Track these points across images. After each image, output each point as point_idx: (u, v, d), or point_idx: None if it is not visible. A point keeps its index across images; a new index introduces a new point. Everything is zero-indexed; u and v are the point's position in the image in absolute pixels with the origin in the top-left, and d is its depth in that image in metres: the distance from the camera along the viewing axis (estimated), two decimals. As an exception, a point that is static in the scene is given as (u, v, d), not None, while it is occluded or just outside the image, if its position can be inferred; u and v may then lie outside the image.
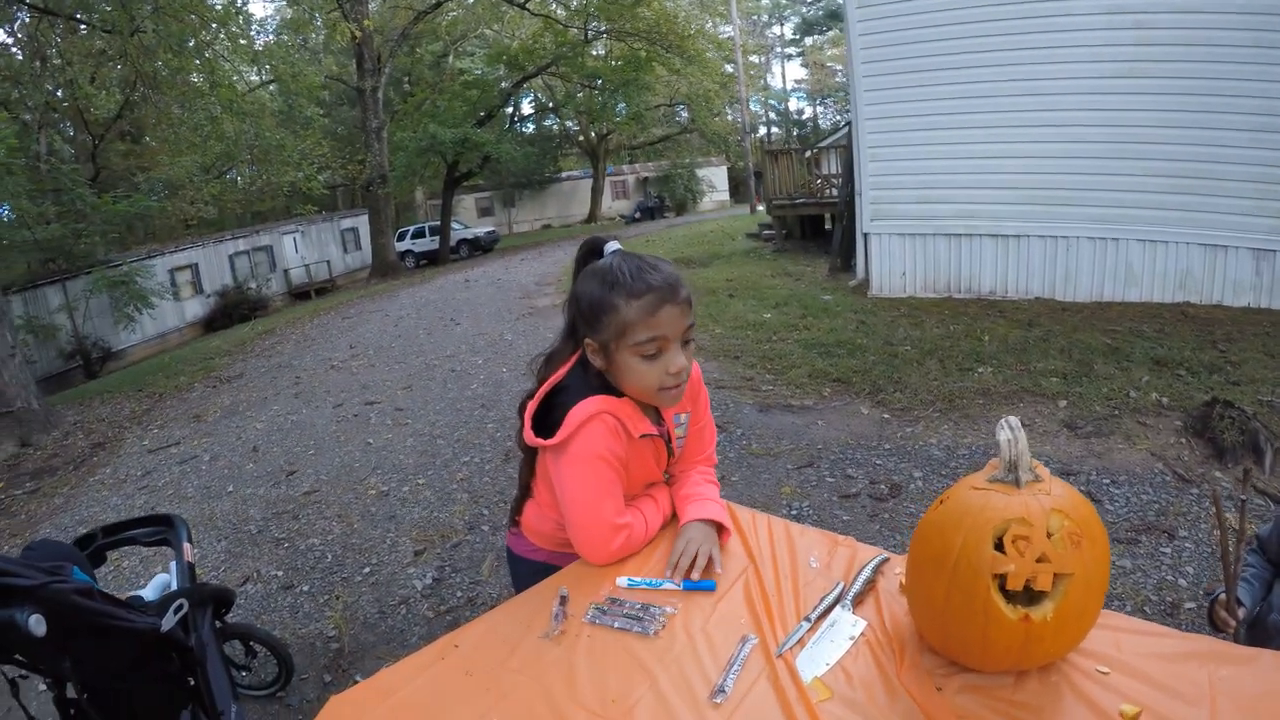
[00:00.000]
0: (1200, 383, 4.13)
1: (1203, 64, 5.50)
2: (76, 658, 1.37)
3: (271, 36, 19.88)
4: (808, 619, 1.00)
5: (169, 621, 1.57)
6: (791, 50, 46.32)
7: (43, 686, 1.57)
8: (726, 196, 38.02)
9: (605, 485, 1.18)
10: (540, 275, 13.69)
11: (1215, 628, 1.27)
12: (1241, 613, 1.25)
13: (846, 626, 0.98)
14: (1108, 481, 3.23)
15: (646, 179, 37.09)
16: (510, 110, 27.63)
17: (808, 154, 14.17)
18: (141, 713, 1.56)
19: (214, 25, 11.02)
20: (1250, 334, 4.94)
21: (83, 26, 10.99)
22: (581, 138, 33.66)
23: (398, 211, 27.20)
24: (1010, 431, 0.87)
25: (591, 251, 1.26)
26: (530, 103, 30.46)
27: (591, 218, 33.84)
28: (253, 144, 13.50)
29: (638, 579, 1.14)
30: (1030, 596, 0.82)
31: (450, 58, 25.17)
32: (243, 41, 12.46)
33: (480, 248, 24.37)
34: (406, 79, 26.06)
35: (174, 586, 1.86)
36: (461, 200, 31.25)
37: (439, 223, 23.82)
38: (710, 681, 0.90)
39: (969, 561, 0.83)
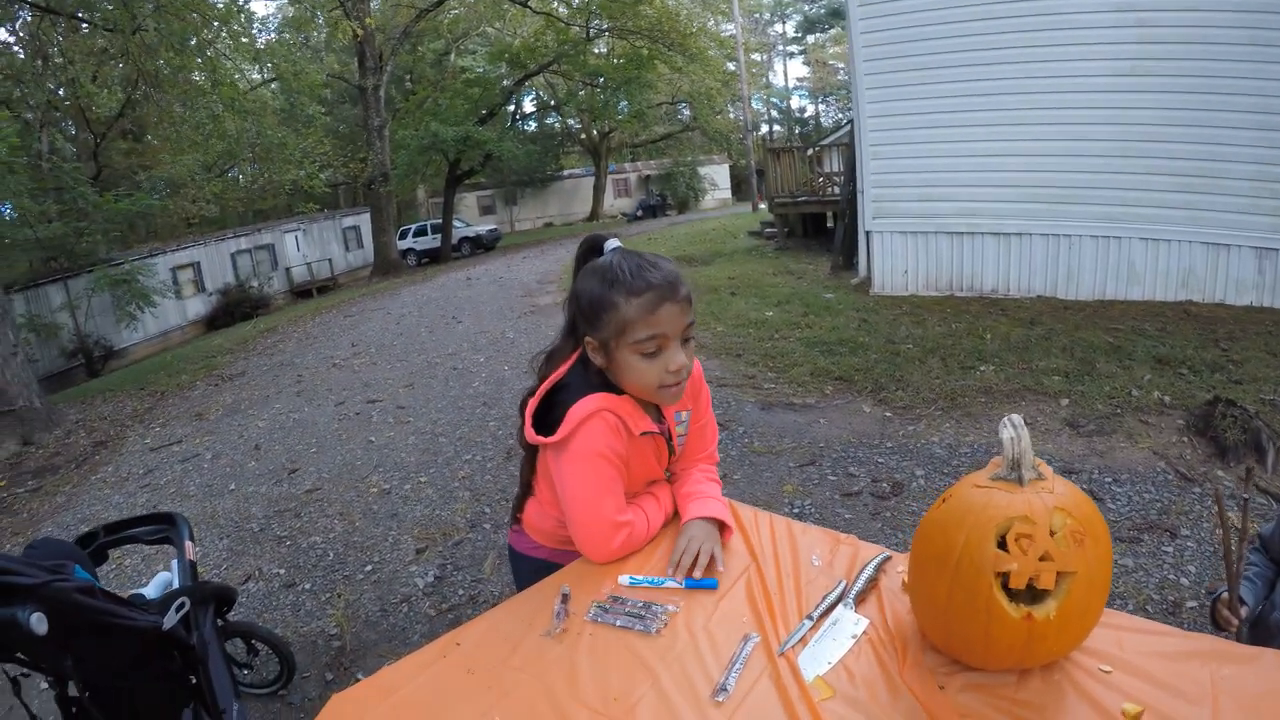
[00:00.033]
0: (1202, 381, 4.12)
1: (1206, 62, 5.49)
2: (78, 656, 1.36)
3: (273, 34, 19.89)
4: (810, 617, 1.00)
5: (171, 620, 1.57)
6: (793, 48, 46.32)
7: (44, 685, 1.57)
8: (728, 194, 38.00)
9: (606, 483, 1.18)
10: (542, 273, 13.69)
11: (1217, 627, 1.27)
12: (1244, 611, 1.25)
13: (849, 625, 0.98)
14: (1110, 480, 3.22)
15: (648, 177, 37.07)
16: (512, 108, 27.63)
17: (810, 152, 14.13)
18: (143, 711, 1.56)
19: (216, 23, 11.01)
20: (1252, 333, 4.93)
21: (84, 25, 11.00)
22: (583, 136, 33.64)
23: (399, 210, 27.22)
24: (1013, 429, 0.87)
25: (591, 249, 1.26)
26: (532, 101, 30.46)
27: (593, 216, 33.84)
28: (254, 142, 13.50)
29: (640, 577, 1.14)
30: (1033, 595, 0.82)
31: (452, 56, 25.14)
32: (244, 40, 12.45)
33: (482, 246, 24.37)
34: (408, 77, 26.04)
35: (176, 584, 1.86)
36: (463, 198, 31.28)
37: (441, 221, 23.85)
38: (712, 680, 0.90)
39: (972, 560, 0.83)
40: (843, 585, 1.06)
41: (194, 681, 1.67)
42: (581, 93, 24.17)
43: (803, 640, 0.96)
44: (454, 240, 23.77)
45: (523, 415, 1.24)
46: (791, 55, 47.38)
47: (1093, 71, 5.92)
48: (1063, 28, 5.95)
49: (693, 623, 1.02)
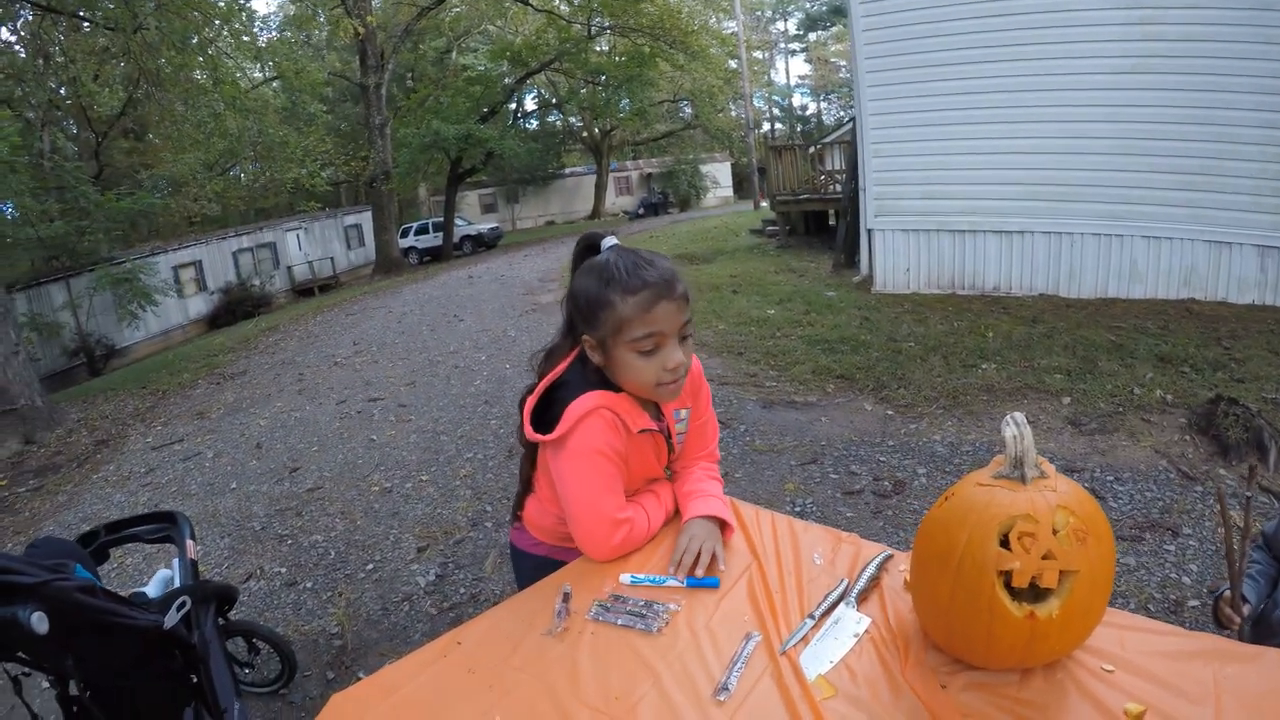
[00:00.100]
0: (1205, 380, 4.12)
1: (1208, 60, 5.47)
2: (79, 655, 1.37)
3: (275, 33, 19.84)
4: (811, 616, 0.99)
5: (172, 619, 1.57)
6: (795, 46, 46.29)
7: (45, 684, 1.57)
8: (730, 192, 37.96)
9: (605, 480, 1.17)
10: (544, 271, 13.67)
11: (1220, 625, 1.27)
12: (1246, 610, 1.25)
13: (850, 624, 0.98)
14: (1112, 478, 3.22)
15: (650, 175, 37.03)
16: (514, 106, 27.64)
17: (811, 150, 14.13)
18: (144, 710, 1.56)
19: (217, 22, 11.03)
20: (1255, 331, 4.92)
21: (86, 24, 11.00)
22: (585, 134, 33.62)
23: (401, 208, 27.24)
24: (1016, 428, 0.87)
25: (589, 248, 1.26)
26: (534, 99, 30.43)
27: (595, 214, 33.81)
28: (256, 141, 13.51)
29: (641, 576, 1.14)
30: (1035, 594, 0.82)
31: (453, 54, 25.13)
32: (245, 38, 12.46)
33: (484, 244, 24.38)
34: (410, 75, 26.05)
35: (177, 583, 1.87)
36: (465, 196, 31.25)
37: (442, 219, 23.86)
38: (714, 679, 0.90)
39: (974, 558, 0.83)
40: (844, 584, 1.06)
41: (195, 680, 1.67)
42: (583, 90, 24.16)
43: (804, 639, 0.96)
44: (456, 238, 23.77)
45: (522, 413, 1.25)
46: (793, 53, 47.42)
47: (1095, 69, 5.90)
48: (1066, 25, 5.93)
49: (694, 621, 1.02)
